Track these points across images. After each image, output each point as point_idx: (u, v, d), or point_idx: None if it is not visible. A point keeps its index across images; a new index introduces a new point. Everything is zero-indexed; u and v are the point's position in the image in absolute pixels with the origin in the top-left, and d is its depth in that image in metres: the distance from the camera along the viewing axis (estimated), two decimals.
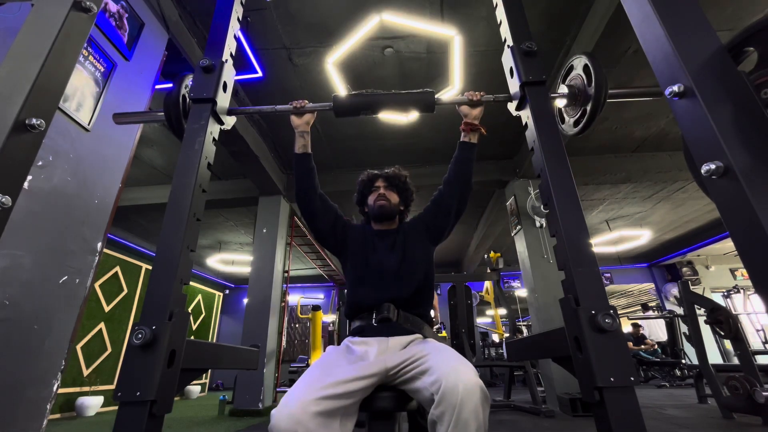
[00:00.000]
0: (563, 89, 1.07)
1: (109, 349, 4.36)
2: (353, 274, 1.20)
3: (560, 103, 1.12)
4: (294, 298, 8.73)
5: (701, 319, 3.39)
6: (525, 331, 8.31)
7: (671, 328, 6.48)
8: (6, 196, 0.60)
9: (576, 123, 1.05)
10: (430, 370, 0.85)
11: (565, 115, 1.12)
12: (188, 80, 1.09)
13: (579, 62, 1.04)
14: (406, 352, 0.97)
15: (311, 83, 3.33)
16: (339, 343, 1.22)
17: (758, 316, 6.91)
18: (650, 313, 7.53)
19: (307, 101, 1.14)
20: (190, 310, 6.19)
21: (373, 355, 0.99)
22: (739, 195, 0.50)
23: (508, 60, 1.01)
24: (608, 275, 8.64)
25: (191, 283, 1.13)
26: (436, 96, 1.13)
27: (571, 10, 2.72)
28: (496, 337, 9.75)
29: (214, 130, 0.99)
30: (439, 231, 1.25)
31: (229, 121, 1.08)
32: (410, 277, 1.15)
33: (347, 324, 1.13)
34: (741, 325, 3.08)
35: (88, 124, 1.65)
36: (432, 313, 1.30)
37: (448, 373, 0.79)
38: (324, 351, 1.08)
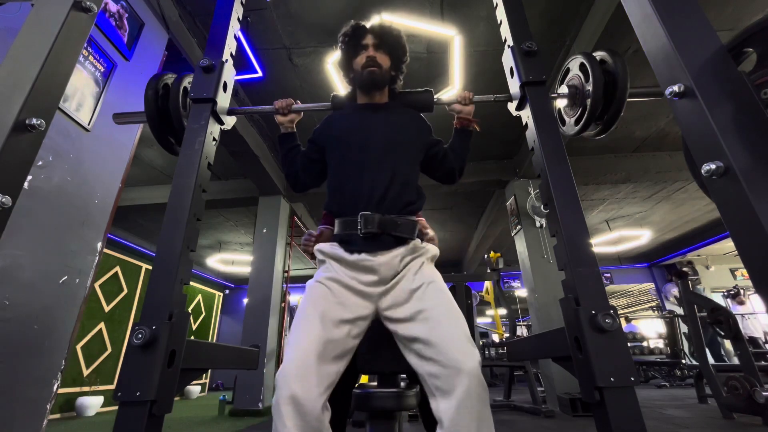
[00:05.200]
0: (563, 89, 1.07)
1: (109, 349, 4.36)
2: (335, 159, 1.04)
3: (560, 103, 1.12)
4: (294, 298, 8.73)
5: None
6: (525, 331, 8.31)
7: (671, 328, 6.47)
8: (6, 196, 0.60)
9: (575, 123, 1.05)
10: (428, 342, 0.78)
11: (564, 116, 1.12)
12: (168, 79, 1.08)
13: (577, 62, 1.04)
14: (402, 284, 0.89)
15: (311, 83, 3.33)
16: None
17: (758, 316, 6.91)
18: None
19: (293, 101, 1.12)
20: (190, 310, 6.19)
21: (365, 283, 0.89)
22: (739, 195, 0.50)
23: (508, 60, 1.01)
24: (608, 275, 8.64)
25: (191, 283, 1.12)
26: (435, 96, 1.13)
27: (571, 10, 2.72)
28: (496, 337, 9.75)
29: (214, 130, 0.99)
30: (425, 159, 1.11)
31: (229, 121, 1.08)
32: (401, 156, 1.01)
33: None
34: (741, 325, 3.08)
35: (88, 124, 1.65)
36: (430, 233, 1.23)
37: (448, 364, 0.74)
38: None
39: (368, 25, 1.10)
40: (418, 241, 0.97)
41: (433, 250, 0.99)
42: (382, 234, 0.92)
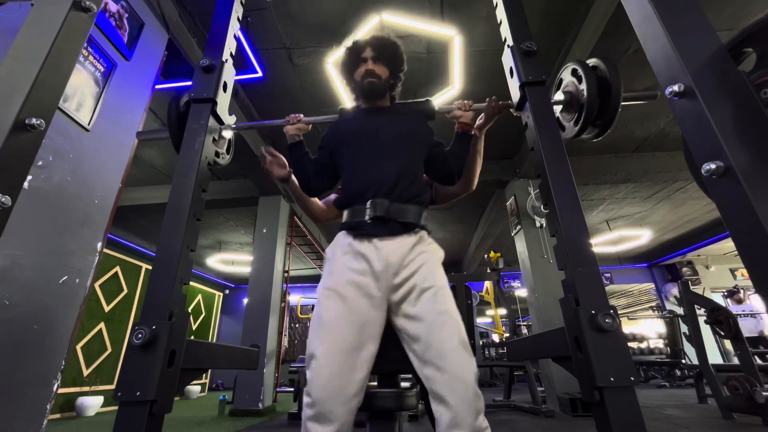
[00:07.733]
0: (559, 96, 1.08)
1: (109, 349, 4.36)
2: (346, 156, 1.08)
3: (557, 109, 1.13)
4: (294, 298, 8.73)
5: (701, 319, 3.40)
6: (525, 331, 8.31)
7: (671, 328, 6.48)
8: (6, 196, 0.60)
9: (573, 125, 1.05)
10: (430, 345, 0.82)
11: (562, 120, 1.13)
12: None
13: (569, 69, 1.05)
14: (415, 279, 0.90)
15: (311, 83, 3.33)
16: None
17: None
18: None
19: (302, 115, 1.16)
20: (190, 310, 6.19)
21: (375, 276, 0.91)
22: (739, 195, 0.50)
23: (508, 60, 1.02)
24: (608, 275, 8.64)
25: (191, 283, 1.12)
26: (436, 107, 1.16)
27: (571, 10, 2.72)
28: (496, 337, 9.75)
29: (214, 130, 0.99)
30: (428, 159, 1.13)
31: (230, 121, 1.08)
32: (409, 150, 1.06)
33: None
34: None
35: (88, 124, 1.65)
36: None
37: (448, 371, 0.78)
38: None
39: (367, 37, 1.17)
40: (425, 233, 1.00)
41: (440, 251, 1.01)
42: (390, 220, 0.95)
